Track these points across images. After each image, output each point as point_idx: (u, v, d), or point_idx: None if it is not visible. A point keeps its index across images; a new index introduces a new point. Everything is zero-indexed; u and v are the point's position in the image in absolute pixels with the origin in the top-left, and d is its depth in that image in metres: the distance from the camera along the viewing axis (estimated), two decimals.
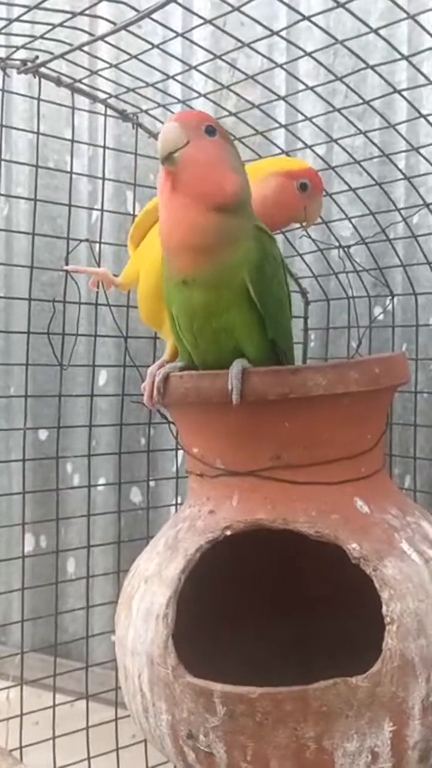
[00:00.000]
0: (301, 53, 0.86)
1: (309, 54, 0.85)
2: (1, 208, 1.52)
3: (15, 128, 1.43)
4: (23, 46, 0.91)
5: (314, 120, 0.99)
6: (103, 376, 1.41)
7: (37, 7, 0.81)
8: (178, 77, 1.01)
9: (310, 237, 1.14)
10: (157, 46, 0.88)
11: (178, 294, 0.77)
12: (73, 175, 1.08)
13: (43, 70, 0.96)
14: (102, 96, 1.05)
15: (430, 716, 0.70)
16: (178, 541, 0.78)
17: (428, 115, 0.90)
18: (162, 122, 1.09)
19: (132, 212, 1.23)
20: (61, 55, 0.90)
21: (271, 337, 0.78)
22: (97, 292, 1.05)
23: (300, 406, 0.73)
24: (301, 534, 0.73)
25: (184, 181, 0.72)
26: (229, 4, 0.78)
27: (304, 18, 0.78)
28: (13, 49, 0.93)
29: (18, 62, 0.95)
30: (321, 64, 0.88)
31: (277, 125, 1.05)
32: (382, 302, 1.19)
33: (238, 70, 0.93)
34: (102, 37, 0.83)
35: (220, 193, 0.73)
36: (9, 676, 1.18)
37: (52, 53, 0.92)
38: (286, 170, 0.88)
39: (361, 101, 0.91)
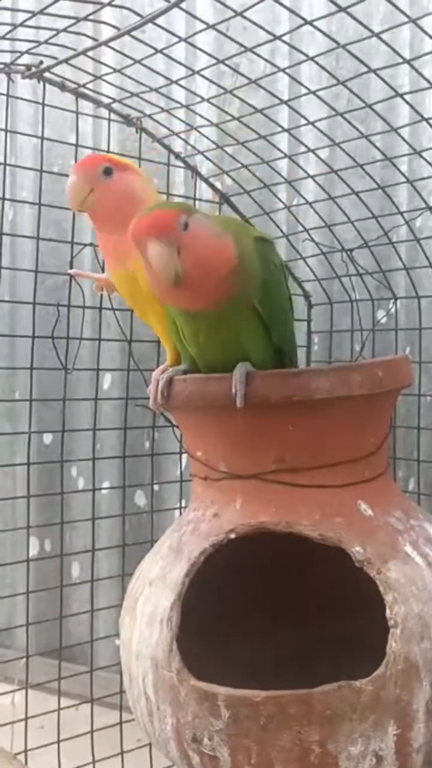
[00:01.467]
0: (304, 57, 0.86)
1: (312, 58, 0.85)
2: (6, 213, 1.52)
3: (20, 133, 1.44)
4: (28, 52, 0.92)
5: (317, 124, 1.00)
6: (107, 380, 1.41)
7: (41, 12, 0.81)
8: (182, 82, 1.01)
9: (313, 240, 1.14)
10: (161, 51, 0.88)
11: (181, 314, 0.78)
12: None
13: (47, 75, 0.96)
14: (106, 101, 1.05)
15: None
16: (182, 545, 0.78)
17: (430, 118, 0.90)
18: (165, 127, 1.10)
19: None
20: (66, 60, 0.90)
21: (276, 343, 0.79)
22: (101, 296, 1.05)
23: (303, 409, 0.73)
24: (304, 537, 0.73)
25: (192, 278, 0.70)
26: (232, 9, 0.78)
27: (307, 22, 0.79)
28: (18, 55, 0.93)
29: (22, 67, 0.95)
30: (323, 68, 0.88)
31: (280, 129, 1.05)
32: (386, 305, 1.19)
33: (241, 74, 0.93)
34: (106, 42, 0.84)
35: (225, 263, 0.73)
36: (14, 679, 1.18)
37: (56, 58, 0.92)
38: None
39: (363, 105, 0.91)
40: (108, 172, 0.81)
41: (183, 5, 0.74)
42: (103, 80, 1.00)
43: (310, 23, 0.79)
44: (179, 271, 0.69)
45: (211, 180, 1.19)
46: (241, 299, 0.74)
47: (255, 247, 0.76)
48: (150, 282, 0.75)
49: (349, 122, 0.94)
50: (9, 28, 0.90)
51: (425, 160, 0.98)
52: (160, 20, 0.76)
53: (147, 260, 0.70)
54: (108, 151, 1.11)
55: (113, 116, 1.07)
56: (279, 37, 0.82)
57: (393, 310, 1.16)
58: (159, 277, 0.70)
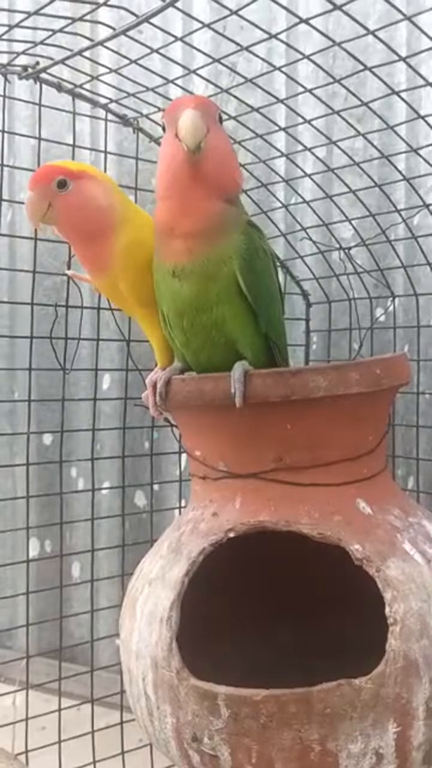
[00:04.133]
0: (301, 56, 0.86)
1: (308, 57, 0.85)
2: (4, 214, 1.52)
3: (17, 134, 1.44)
4: (24, 52, 0.92)
5: (314, 122, 1.00)
6: (106, 380, 1.41)
7: (37, 12, 0.81)
8: (179, 81, 1.01)
9: (311, 239, 1.14)
10: (157, 51, 0.88)
11: (167, 289, 0.77)
12: None
13: (44, 75, 0.96)
14: (103, 101, 1.05)
15: None
16: (182, 544, 0.78)
17: (427, 116, 0.90)
18: (163, 127, 1.10)
19: None
20: (62, 61, 0.90)
21: (264, 331, 0.79)
22: (100, 297, 1.05)
23: (302, 408, 0.74)
24: (304, 536, 0.73)
25: (205, 170, 0.72)
26: (228, 8, 0.78)
27: (303, 21, 0.79)
28: (15, 55, 0.93)
29: (19, 68, 0.95)
30: (320, 67, 0.88)
31: (277, 128, 1.05)
32: (384, 303, 1.19)
33: (238, 73, 0.93)
34: (102, 42, 0.84)
35: (233, 184, 0.76)
36: (15, 680, 1.18)
37: (53, 59, 0.92)
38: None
39: (360, 103, 0.91)
40: (62, 184, 0.78)
41: (179, 4, 0.74)
42: (100, 80, 1.00)
43: (306, 22, 0.79)
44: (202, 144, 0.70)
45: None
46: (223, 258, 0.74)
47: (243, 228, 0.77)
48: (166, 166, 0.74)
49: (346, 120, 0.94)
50: (5, 28, 0.90)
51: (422, 157, 0.98)
52: (156, 20, 0.76)
53: (178, 125, 0.70)
54: (105, 152, 1.11)
55: (110, 116, 1.07)
56: (275, 36, 0.82)
57: (391, 308, 1.16)
58: (182, 144, 0.70)
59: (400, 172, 1.03)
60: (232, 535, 0.75)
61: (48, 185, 0.78)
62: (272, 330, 0.80)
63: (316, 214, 1.13)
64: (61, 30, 0.83)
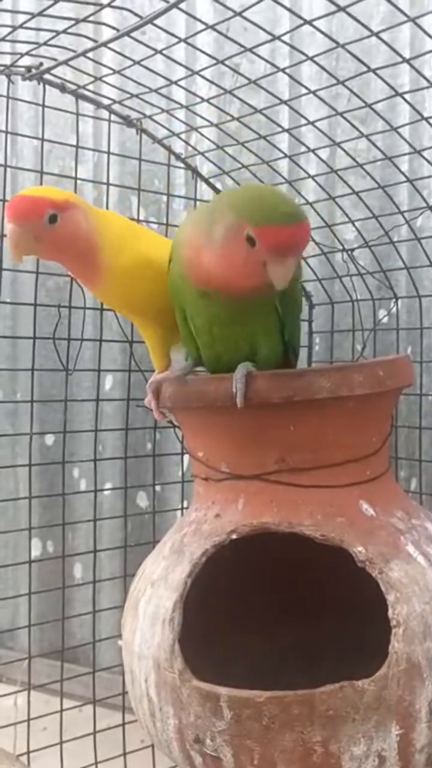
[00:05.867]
0: (304, 58, 0.86)
1: (311, 58, 0.85)
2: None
3: (20, 135, 1.44)
4: (28, 53, 0.92)
5: (317, 124, 0.99)
6: (108, 381, 1.41)
7: (41, 14, 0.81)
8: (182, 82, 1.01)
9: (314, 240, 1.14)
10: (161, 52, 0.88)
11: (194, 302, 0.77)
12: (78, 181, 1.08)
13: (47, 76, 0.96)
14: (106, 102, 1.05)
15: None
16: (184, 545, 0.78)
17: (430, 117, 0.90)
18: (166, 128, 1.10)
19: (137, 217, 1.23)
20: (66, 62, 0.90)
21: (287, 340, 0.80)
22: None
23: (305, 409, 0.73)
24: (306, 537, 0.73)
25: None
26: (231, 10, 0.78)
27: (307, 22, 0.79)
28: (18, 56, 0.93)
29: (23, 69, 0.95)
30: (323, 68, 0.88)
31: (280, 129, 1.05)
32: (387, 305, 1.19)
33: (241, 75, 0.93)
34: (106, 44, 0.84)
35: None
36: (16, 681, 1.18)
37: (56, 60, 0.92)
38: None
39: (363, 105, 0.91)
40: (53, 219, 0.74)
41: (183, 6, 0.74)
42: (104, 81, 1.00)
43: (310, 23, 0.79)
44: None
45: (212, 181, 1.19)
46: (271, 290, 0.72)
47: None
48: (238, 267, 0.70)
49: (349, 122, 0.94)
50: (9, 29, 0.90)
51: (425, 159, 0.98)
52: (159, 21, 0.76)
53: (276, 266, 0.68)
54: (108, 153, 1.11)
55: (113, 117, 1.07)
56: (279, 38, 0.82)
57: (394, 309, 1.16)
58: (270, 277, 0.68)
59: (403, 174, 1.03)
60: (234, 536, 0.75)
61: (39, 221, 0.74)
62: (293, 339, 0.82)
63: (319, 216, 1.13)
64: (64, 31, 0.83)
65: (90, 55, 0.89)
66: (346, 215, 1.11)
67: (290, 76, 1.02)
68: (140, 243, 0.83)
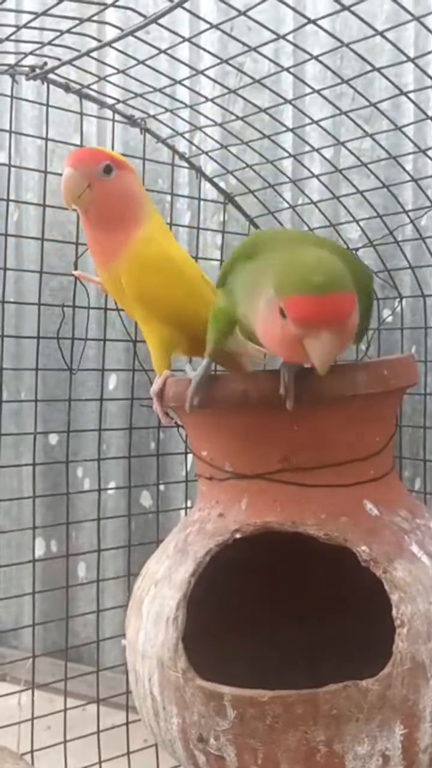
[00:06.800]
0: (308, 57, 0.86)
1: (316, 57, 0.85)
2: (11, 214, 1.53)
3: (24, 134, 1.44)
4: (32, 53, 0.92)
5: (321, 123, 0.99)
6: (112, 381, 1.41)
7: (45, 13, 0.81)
8: (186, 82, 1.01)
9: None
10: (165, 52, 0.88)
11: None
12: None
13: (51, 76, 0.97)
14: (110, 101, 1.05)
15: None
16: (188, 545, 0.78)
17: None
18: (170, 127, 1.10)
19: None
20: (70, 61, 0.90)
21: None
22: (106, 297, 1.05)
23: (309, 409, 0.73)
24: (310, 537, 0.73)
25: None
26: (235, 9, 0.78)
27: (311, 21, 0.79)
28: (22, 56, 0.93)
29: (27, 69, 0.95)
30: (328, 67, 0.88)
31: (284, 129, 1.05)
32: (391, 304, 1.18)
33: (245, 74, 0.93)
34: (110, 43, 0.84)
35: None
36: (20, 680, 1.18)
37: (60, 59, 0.92)
38: None
39: (368, 104, 0.91)
40: (108, 170, 0.79)
41: (187, 5, 0.74)
42: (107, 81, 1.00)
43: (314, 22, 0.79)
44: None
45: (216, 180, 1.19)
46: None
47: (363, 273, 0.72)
48: (277, 342, 0.64)
49: (353, 121, 0.94)
50: (13, 29, 0.90)
51: (430, 158, 0.98)
52: (163, 20, 0.76)
53: (313, 345, 0.60)
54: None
55: (117, 117, 1.07)
56: (283, 37, 0.82)
57: (398, 309, 1.15)
58: (313, 364, 0.61)
59: (407, 173, 1.03)
60: (238, 535, 0.75)
61: (94, 167, 0.78)
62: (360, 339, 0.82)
63: (324, 215, 1.13)
64: (68, 31, 0.83)
65: (94, 54, 0.89)
66: (351, 215, 1.10)
67: (294, 76, 1.02)
68: (171, 244, 0.86)
